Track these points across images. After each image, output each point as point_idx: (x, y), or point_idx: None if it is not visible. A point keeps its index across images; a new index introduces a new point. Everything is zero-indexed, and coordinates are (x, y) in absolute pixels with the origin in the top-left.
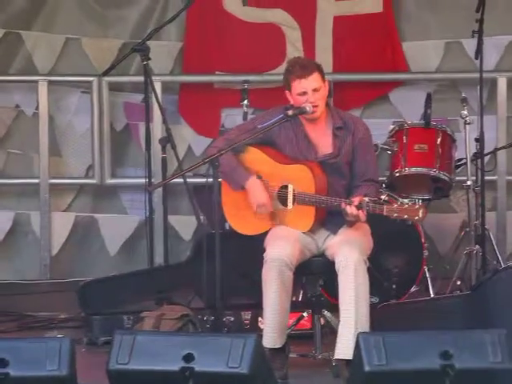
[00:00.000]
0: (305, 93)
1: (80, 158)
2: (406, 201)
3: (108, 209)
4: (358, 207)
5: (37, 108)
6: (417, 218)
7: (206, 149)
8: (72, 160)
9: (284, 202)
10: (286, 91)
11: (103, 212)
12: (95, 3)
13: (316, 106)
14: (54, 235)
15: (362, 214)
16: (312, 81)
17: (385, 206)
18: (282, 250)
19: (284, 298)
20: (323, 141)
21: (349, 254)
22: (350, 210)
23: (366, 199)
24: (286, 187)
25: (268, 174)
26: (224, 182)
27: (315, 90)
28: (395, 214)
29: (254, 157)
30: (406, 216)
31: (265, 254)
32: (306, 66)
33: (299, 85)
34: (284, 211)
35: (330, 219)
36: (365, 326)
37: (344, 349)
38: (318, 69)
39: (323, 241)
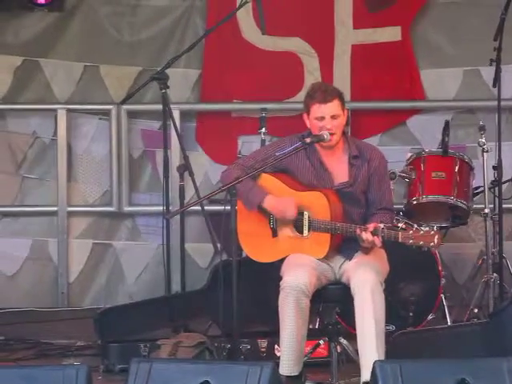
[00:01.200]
0: (323, 118)
1: (96, 183)
2: (421, 227)
3: (124, 234)
4: (373, 233)
5: (54, 134)
6: (432, 244)
7: (221, 175)
8: (88, 186)
9: (300, 229)
10: (304, 114)
11: (120, 237)
12: (113, 30)
13: (332, 134)
14: (71, 262)
15: (378, 240)
16: (332, 107)
17: (400, 233)
18: (299, 277)
19: (301, 325)
20: (339, 169)
21: (364, 275)
22: (366, 235)
23: (382, 225)
24: (301, 214)
25: None
26: (239, 210)
27: (333, 117)
28: (411, 241)
29: (269, 184)
30: (421, 242)
31: (281, 282)
32: (327, 91)
33: (318, 109)
34: (300, 238)
35: (345, 246)
36: (382, 348)
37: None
38: (340, 97)
39: (339, 267)
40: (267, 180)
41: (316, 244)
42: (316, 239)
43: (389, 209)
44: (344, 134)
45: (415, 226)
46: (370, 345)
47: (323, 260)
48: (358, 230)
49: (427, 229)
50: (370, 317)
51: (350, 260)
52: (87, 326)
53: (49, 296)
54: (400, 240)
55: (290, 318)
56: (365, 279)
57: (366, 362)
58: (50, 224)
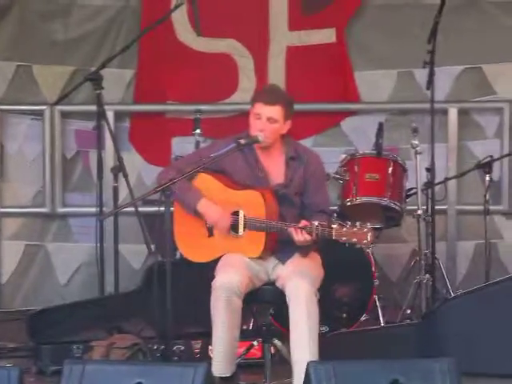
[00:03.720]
0: (259, 117)
1: (29, 184)
2: (357, 224)
3: (57, 235)
4: (307, 230)
5: None
6: (365, 241)
7: (156, 176)
8: (20, 186)
9: (235, 228)
10: (250, 109)
11: (52, 238)
12: (46, 29)
13: (265, 137)
14: (3, 264)
15: (309, 237)
16: (271, 111)
17: (334, 229)
18: (231, 277)
19: (232, 325)
20: (275, 170)
21: (299, 285)
22: (298, 235)
23: (316, 223)
24: (236, 213)
25: (219, 200)
26: (176, 210)
27: (269, 120)
28: (344, 238)
29: (207, 184)
30: (354, 239)
31: (213, 282)
32: (272, 95)
33: (258, 108)
34: (235, 237)
35: (280, 247)
36: (315, 354)
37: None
38: (285, 104)
39: (272, 269)
40: (205, 180)
41: (251, 243)
42: (251, 238)
43: (326, 212)
44: (282, 136)
45: (349, 223)
46: (301, 353)
47: (257, 260)
48: (290, 228)
49: (360, 226)
50: (304, 326)
51: (283, 264)
52: (19, 327)
53: None
54: (334, 237)
55: (222, 319)
56: (299, 290)
57: (298, 372)
58: None
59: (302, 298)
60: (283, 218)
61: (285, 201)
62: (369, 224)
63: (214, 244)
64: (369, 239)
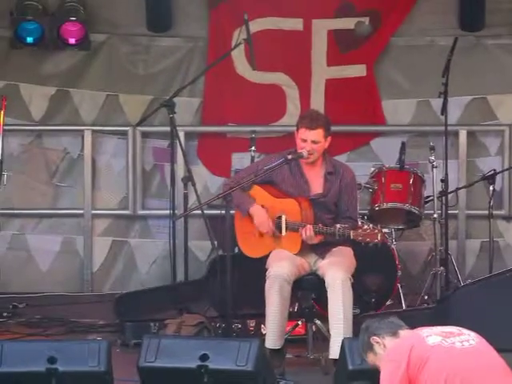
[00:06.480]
0: (305, 140)
1: (115, 191)
2: (370, 226)
3: (139, 233)
4: (329, 231)
5: (81, 151)
6: (376, 240)
7: (221, 185)
8: (109, 193)
9: (279, 229)
10: (295, 131)
11: (134, 235)
12: (130, 65)
13: (311, 154)
14: (94, 256)
15: (313, 234)
16: (314, 134)
17: (351, 231)
18: (282, 268)
19: (283, 307)
20: (316, 182)
21: (336, 273)
22: (304, 234)
23: (338, 226)
24: (280, 217)
25: (268, 207)
26: (237, 217)
27: (314, 142)
28: (360, 238)
29: (258, 193)
30: (368, 239)
31: (267, 272)
32: (314, 120)
33: (303, 133)
34: (279, 236)
35: (318, 246)
36: (350, 330)
37: (336, 351)
38: (325, 126)
39: (314, 262)
40: (256, 190)
41: (291, 241)
42: (291, 238)
43: (352, 218)
44: (323, 153)
45: (365, 226)
46: (338, 333)
47: (299, 255)
48: (301, 230)
49: (372, 228)
50: (340, 304)
51: (322, 258)
52: (107, 307)
53: (76, 283)
54: (352, 237)
55: (275, 300)
56: (336, 276)
57: (334, 342)
58: (78, 224)
59: (339, 283)
60: (322, 222)
61: (322, 207)
62: (393, 226)
63: (264, 243)
64: (379, 238)
